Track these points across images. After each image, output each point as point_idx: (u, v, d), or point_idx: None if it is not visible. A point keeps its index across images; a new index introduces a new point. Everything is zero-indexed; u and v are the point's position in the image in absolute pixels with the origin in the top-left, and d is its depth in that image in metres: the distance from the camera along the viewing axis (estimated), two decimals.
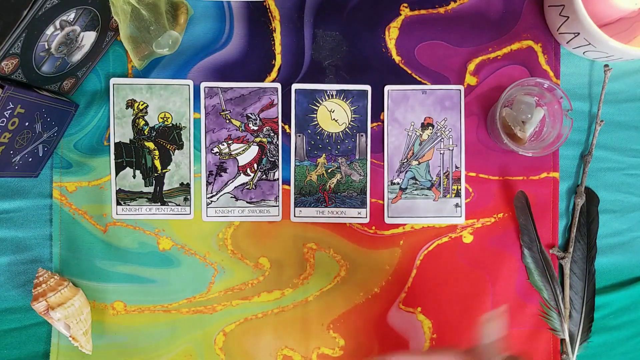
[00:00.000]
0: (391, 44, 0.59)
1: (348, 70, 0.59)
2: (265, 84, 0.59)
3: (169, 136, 0.59)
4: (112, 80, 0.58)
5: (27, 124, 0.51)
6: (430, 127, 0.59)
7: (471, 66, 0.59)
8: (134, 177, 0.59)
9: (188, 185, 0.59)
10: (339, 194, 0.59)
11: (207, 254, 0.59)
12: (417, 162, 0.59)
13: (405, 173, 0.59)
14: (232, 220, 0.59)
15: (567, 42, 0.57)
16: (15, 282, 0.59)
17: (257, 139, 0.59)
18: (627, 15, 0.55)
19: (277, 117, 0.59)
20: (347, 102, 0.59)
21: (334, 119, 0.59)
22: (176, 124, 0.59)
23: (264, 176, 0.59)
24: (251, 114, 0.59)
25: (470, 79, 0.59)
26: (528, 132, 0.58)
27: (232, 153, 0.59)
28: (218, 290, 0.59)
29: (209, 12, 0.59)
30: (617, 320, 0.61)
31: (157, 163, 0.59)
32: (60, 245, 0.59)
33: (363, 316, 0.59)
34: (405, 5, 0.59)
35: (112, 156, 0.59)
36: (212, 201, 0.59)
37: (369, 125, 0.59)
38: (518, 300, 0.59)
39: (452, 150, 0.59)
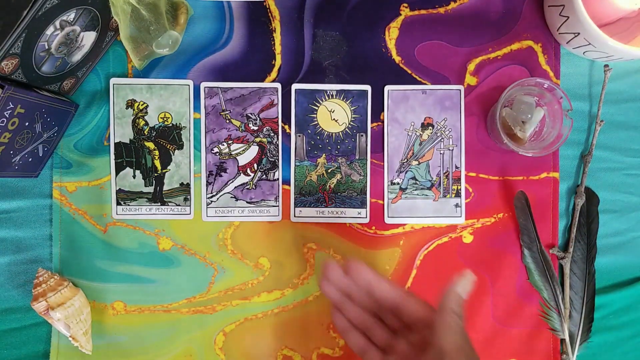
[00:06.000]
0: (391, 44, 0.59)
1: (348, 70, 0.59)
2: (265, 84, 0.59)
3: (169, 136, 0.59)
4: (112, 80, 0.58)
5: (27, 124, 0.51)
6: (430, 127, 0.59)
7: (471, 66, 0.59)
8: (134, 177, 0.59)
9: (188, 185, 0.59)
10: (339, 194, 0.59)
11: (207, 254, 0.59)
12: (417, 162, 0.59)
13: (405, 173, 0.59)
14: (232, 220, 0.59)
15: (567, 42, 0.57)
16: (15, 282, 0.59)
17: (257, 139, 0.59)
18: (627, 15, 0.55)
19: (277, 117, 0.59)
20: (347, 102, 0.59)
21: (334, 119, 0.59)
22: (176, 124, 0.59)
23: (264, 176, 0.59)
24: (251, 114, 0.59)
25: (470, 79, 0.59)
26: (528, 132, 0.58)
27: (232, 153, 0.59)
28: (218, 290, 0.59)
29: (209, 12, 0.59)
30: (617, 320, 0.61)
31: (157, 163, 0.59)
32: (60, 245, 0.59)
33: None
34: (405, 5, 0.59)
35: (112, 156, 0.59)
36: (212, 201, 0.59)
37: (369, 125, 0.59)
38: (518, 300, 0.59)
39: (452, 150, 0.59)
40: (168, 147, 0.59)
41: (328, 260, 0.46)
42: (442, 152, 0.59)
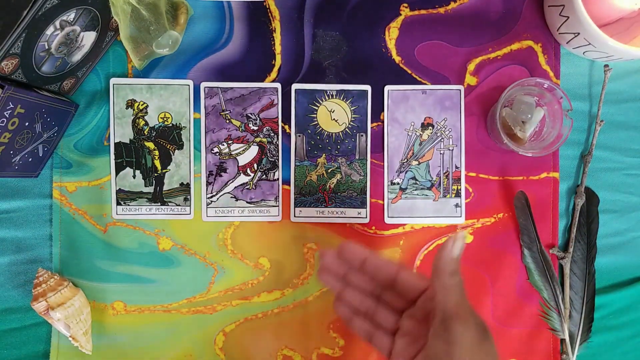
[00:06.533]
0: (391, 44, 0.59)
1: (348, 70, 0.59)
2: (265, 84, 0.59)
3: (169, 136, 0.59)
4: (112, 80, 0.58)
5: (27, 124, 0.51)
6: (430, 127, 0.59)
7: (471, 66, 0.59)
8: (134, 177, 0.59)
9: (188, 185, 0.59)
10: (339, 194, 0.59)
11: (207, 254, 0.59)
12: (417, 162, 0.59)
13: (405, 173, 0.59)
14: (232, 220, 0.59)
15: (567, 42, 0.57)
16: (15, 282, 0.59)
17: (257, 139, 0.59)
18: (627, 15, 0.55)
19: (277, 117, 0.59)
20: (347, 102, 0.59)
21: (334, 119, 0.59)
22: (176, 124, 0.59)
23: (264, 176, 0.59)
24: (251, 114, 0.59)
25: (470, 79, 0.59)
26: (528, 132, 0.58)
27: (232, 153, 0.59)
28: (218, 290, 0.59)
29: (209, 12, 0.59)
30: (617, 320, 0.61)
31: (157, 163, 0.59)
32: (60, 245, 0.59)
33: None
34: (405, 5, 0.59)
35: (112, 156, 0.59)
36: (212, 201, 0.59)
37: (369, 125, 0.59)
38: (518, 300, 0.59)
39: (452, 150, 0.59)
40: (168, 147, 0.59)
41: (323, 250, 0.44)
42: (442, 152, 0.59)
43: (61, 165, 0.59)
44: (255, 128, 0.59)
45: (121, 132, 0.59)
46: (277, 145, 0.59)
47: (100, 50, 0.57)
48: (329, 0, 0.59)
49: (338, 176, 0.59)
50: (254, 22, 0.59)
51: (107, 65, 0.59)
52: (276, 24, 0.59)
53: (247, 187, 0.59)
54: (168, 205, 0.59)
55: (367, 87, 0.59)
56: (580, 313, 0.59)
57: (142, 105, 0.59)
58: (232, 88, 0.59)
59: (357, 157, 0.59)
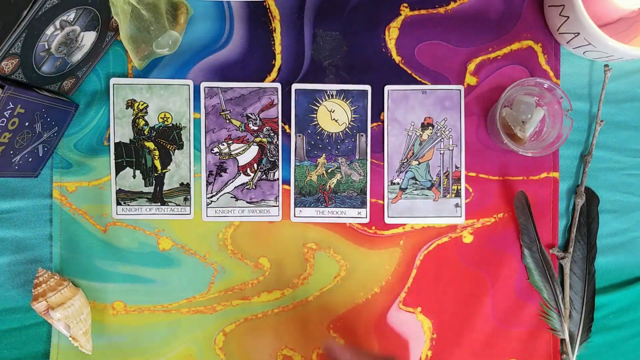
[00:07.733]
0: (391, 44, 0.59)
1: (348, 70, 0.59)
2: (265, 84, 0.59)
3: (169, 136, 0.59)
4: (112, 80, 0.58)
5: (27, 124, 0.51)
6: (430, 127, 0.59)
7: (471, 66, 0.59)
8: (134, 177, 0.59)
9: (188, 185, 0.59)
10: (339, 194, 0.59)
11: (207, 254, 0.59)
12: (417, 162, 0.59)
13: (405, 173, 0.59)
14: (232, 220, 0.59)
15: (567, 42, 0.57)
16: (15, 282, 0.59)
17: (257, 139, 0.59)
18: (627, 15, 0.55)
19: (277, 117, 0.59)
20: (347, 102, 0.59)
21: (334, 119, 0.59)
22: (176, 124, 0.59)
23: (264, 176, 0.59)
24: (251, 114, 0.59)
25: (470, 79, 0.59)
26: (528, 132, 0.58)
27: (232, 153, 0.59)
28: (218, 290, 0.59)
29: (209, 12, 0.59)
30: (617, 320, 0.61)
31: (157, 163, 0.59)
32: (60, 245, 0.59)
33: (363, 316, 0.59)
34: (405, 5, 0.59)
35: (112, 156, 0.59)
36: (212, 201, 0.59)
37: (369, 125, 0.59)
38: (518, 300, 0.59)
39: (452, 150, 0.59)
40: (168, 147, 0.59)
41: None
42: (442, 152, 0.59)
43: (61, 165, 0.59)
44: (255, 128, 0.59)
45: (121, 132, 0.59)
46: (277, 145, 0.59)
47: (100, 50, 0.57)
48: (329, 0, 0.59)
49: (338, 176, 0.59)
50: (254, 22, 0.59)
51: (107, 65, 0.59)
52: (276, 24, 0.59)
53: (247, 187, 0.59)
54: (168, 205, 0.59)
55: (367, 87, 0.59)
56: (580, 313, 0.59)
57: (142, 105, 0.59)
58: (232, 88, 0.59)
59: (357, 157, 0.59)
